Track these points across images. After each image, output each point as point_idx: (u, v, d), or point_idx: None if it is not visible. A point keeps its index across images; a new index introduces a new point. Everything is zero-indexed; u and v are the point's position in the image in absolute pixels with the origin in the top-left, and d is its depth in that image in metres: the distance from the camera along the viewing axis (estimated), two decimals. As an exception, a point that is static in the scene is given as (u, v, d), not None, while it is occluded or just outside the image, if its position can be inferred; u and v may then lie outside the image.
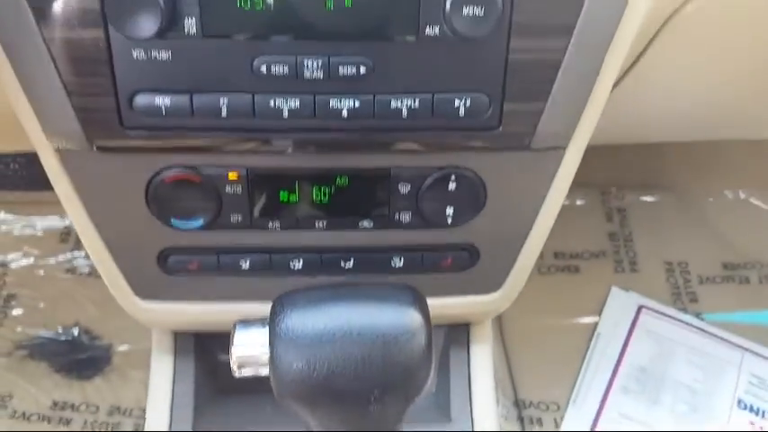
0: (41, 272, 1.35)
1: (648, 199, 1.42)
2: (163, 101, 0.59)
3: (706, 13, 0.66)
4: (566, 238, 1.34)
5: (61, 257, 1.36)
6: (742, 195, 1.40)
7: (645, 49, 0.69)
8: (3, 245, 1.38)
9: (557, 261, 1.34)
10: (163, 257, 0.71)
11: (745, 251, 1.34)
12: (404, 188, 0.67)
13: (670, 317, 1.27)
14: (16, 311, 1.30)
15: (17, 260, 1.36)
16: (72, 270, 1.35)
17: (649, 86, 0.75)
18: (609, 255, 1.35)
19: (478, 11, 0.56)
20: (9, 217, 1.41)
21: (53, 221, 1.40)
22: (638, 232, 1.38)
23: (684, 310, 1.28)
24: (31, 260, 1.36)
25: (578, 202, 1.42)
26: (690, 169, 1.41)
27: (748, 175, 1.38)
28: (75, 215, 0.68)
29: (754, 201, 1.40)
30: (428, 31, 0.57)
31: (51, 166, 0.65)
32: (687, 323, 1.25)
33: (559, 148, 0.65)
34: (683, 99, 0.80)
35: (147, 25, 0.54)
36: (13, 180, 1.37)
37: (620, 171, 1.40)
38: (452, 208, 0.68)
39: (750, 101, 0.84)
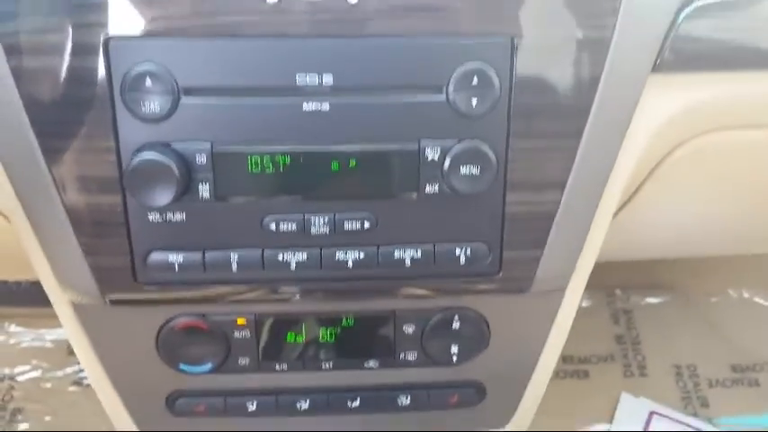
0: (48, 384, 1.35)
1: (653, 300, 1.43)
2: (176, 258, 0.61)
3: (694, 158, 0.69)
4: (573, 341, 1.33)
5: (69, 369, 1.36)
6: (746, 294, 1.41)
7: (638, 189, 0.72)
8: (11, 357, 1.38)
9: (565, 366, 1.33)
10: (171, 400, 0.72)
11: (752, 352, 1.34)
12: (408, 329, 0.69)
13: (682, 422, 1.25)
14: (23, 426, 1.30)
15: (25, 373, 1.37)
16: (78, 382, 1.35)
17: (645, 217, 0.77)
18: (617, 358, 1.35)
19: (475, 170, 0.59)
20: (19, 329, 1.42)
21: (62, 333, 1.41)
22: (645, 334, 1.38)
23: (695, 415, 1.27)
24: (39, 373, 1.37)
25: (584, 304, 1.42)
26: (692, 269, 1.42)
27: (751, 274, 1.39)
28: (86, 360, 0.70)
29: (758, 300, 1.40)
30: (428, 189, 0.60)
31: (65, 315, 0.67)
32: (699, 429, 1.23)
33: (559, 290, 0.67)
34: (679, 227, 0.82)
35: (163, 195, 0.57)
36: (22, 296, 1.39)
37: (623, 272, 1.41)
38: (457, 346, 0.69)
39: (750, 222, 0.86)
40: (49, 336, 1.41)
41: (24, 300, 1.39)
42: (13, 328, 1.42)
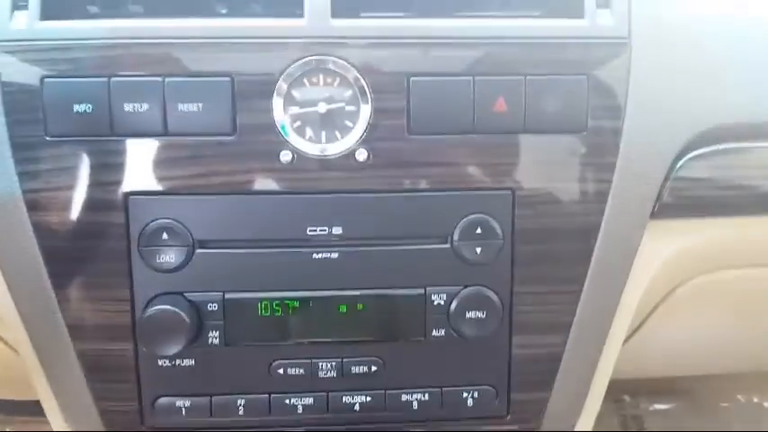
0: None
1: (663, 406, 1.41)
2: (184, 403, 0.62)
3: (697, 293, 0.70)
4: (582, 448, 1.31)
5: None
6: (755, 400, 1.39)
7: (644, 320, 0.73)
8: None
9: (575, 476, 1.30)
10: None
11: (764, 461, 1.31)
12: None
13: None
14: None
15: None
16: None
17: (654, 342, 0.78)
18: (628, 468, 1.32)
19: (480, 314, 0.60)
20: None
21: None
22: (655, 442, 1.35)
23: None
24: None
25: (592, 410, 1.40)
26: (701, 375, 1.40)
27: (761, 379, 1.38)
28: None
29: (767, 405, 1.38)
30: (435, 333, 0.61)
31: None
32: None
33: (569, 428, 0.67)
34: (688, 349, 0.82)
35: (175, 343, 0.58)
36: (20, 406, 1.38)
37: (632, 379, 1.39)
38: None
39: (760, 343, 0.86)
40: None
41: (22, 410, 1.37)
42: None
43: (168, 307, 0.57)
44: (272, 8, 0.58)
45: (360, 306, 0.61)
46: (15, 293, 0.60)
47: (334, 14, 0.57)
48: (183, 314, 0.57)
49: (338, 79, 0.57)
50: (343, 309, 0.60)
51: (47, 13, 0.57)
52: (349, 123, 0.57)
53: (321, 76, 0.57)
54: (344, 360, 0.61)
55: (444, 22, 0.58)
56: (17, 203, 0.57)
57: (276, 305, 0.60)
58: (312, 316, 0.60)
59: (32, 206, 0.57)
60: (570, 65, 0.58)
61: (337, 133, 0.58)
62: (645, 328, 0.74)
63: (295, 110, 0.57)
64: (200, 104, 0.56)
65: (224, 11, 0.59)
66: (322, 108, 0.57)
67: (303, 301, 0.60)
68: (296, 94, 0.57)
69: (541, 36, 0.58)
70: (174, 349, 0.58)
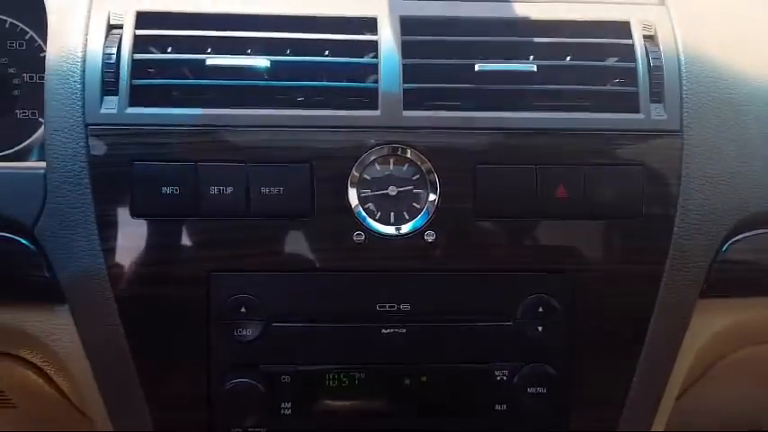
0: None
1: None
2: None
3: (744, 362, 0.73)
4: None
5: None
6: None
7: (695, 382, 0.75)
8: None
9: None
10: None
11: None
12: None
13: None
14: None
15: None
16: None
17: (705, 399, 0.80)
18: None
19: (541, 389, 0.63)
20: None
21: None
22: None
23: None
24: None
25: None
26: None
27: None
28: None
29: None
30: (497, 407, 0.64)
31: None
32: None
33: None
34: (740, 407, 0.84)
35: (252, 415, 0.61)
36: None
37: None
38: None
39: None
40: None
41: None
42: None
43: (247, 380, 0.60)
44: (348, 100, 0.62)
45: (423, 379, 0.63)
46: (94, 362, 0.63)
47: (406, 106, 0.61)
48: (260, 386, 0.60)
49: (407, 164, 0.61)
50: (408, 381, 0.63)
51: (135, 100, 0.61)
52: (416, 205, 0.61)
53: (391, 161, 0.61)
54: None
55: (507, 114, 0.62)
56: (101, 278, 0.60)
57: (343, 376, 0.63)
58: (378, 387, 0.63)
59: (116, 281, 0.60)
60: (626, 155, 0.62)
61: (405, 214, 0.61)
62: (696, 387, 0.76)
63: (366, 192, 0.61)
64: (281, 188, 0.60)
65: (302, 100, 0.63)
66: (392, 191, 0.61)
67: (369, 372, 0.63)
68: (367, 177, 0.61)
69: (600, 128, 0.62)
70: (251, 420, 0.60)
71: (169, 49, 0.63)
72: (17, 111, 0.73)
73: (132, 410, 0.63)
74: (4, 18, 0.73)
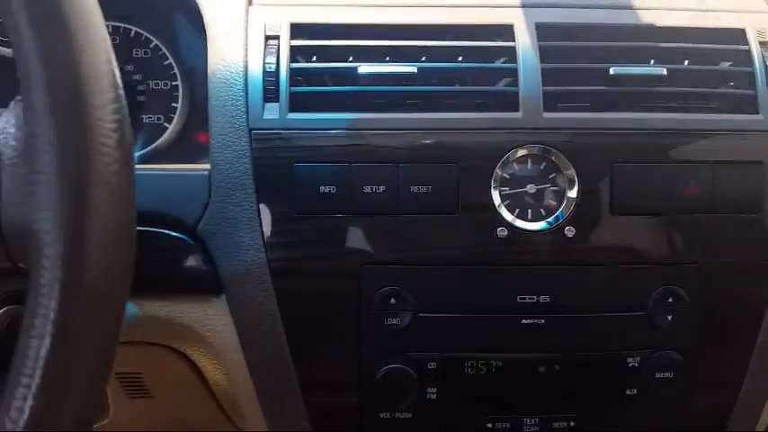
0: None
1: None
2: None
3: None
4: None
5: None
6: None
7: None
8: None
9: None
10: None
11: None
12: None
13: None
14: None
15: None
16: None
17: None
18: None
19: (668, 375, 0.67)
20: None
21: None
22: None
23: None
24: None
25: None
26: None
27: None
28: None
29: None
30: (628, 392, 0.67)
31: None
32: None
33: None
34: None
35: (404, 399, 0.65)
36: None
37: None
38: None
39: None
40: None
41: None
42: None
43: (401, 365, 0.64)
44: (490, 103, 0.67)
45: (557, 367, 0.67)
46: (248, 351, 0.67)
47: (545, 108, 0.65)
48: (412, 372, 0.64)
49: (544, 163, 0.65)
50: (542, 369, 0.67)
51: (294, 106, 0.65)
52: (552, 202, 0.65)
53: (529, 161, 0.65)
54: (547, 417, 0.68)
55: (642, 116, 0.66)
56: (264, 271, 0.65)
57: (482, 364, 0.67)
58: (513, 375, 0.67)
59: (277, 274, 0.65)
60: (748, 154, 0.66)
61: (542, 210, 0.65)
62: None
63: (506, 190, 0.65)
64: (430, 187, 0.64)
65: (449, 103, 0.67)
66: (531, 189, 0.65)
67: (506, 360, 0.67)
68: (507, 176, 0.65)
69: (725, 129, 0.66)
70: (403, 404, 0.65)
71: (314, 58, 0.68)
72: (143, 116, 0.78)
73: (285, 397, 0.67)
74: (129, 27, 0.77)
